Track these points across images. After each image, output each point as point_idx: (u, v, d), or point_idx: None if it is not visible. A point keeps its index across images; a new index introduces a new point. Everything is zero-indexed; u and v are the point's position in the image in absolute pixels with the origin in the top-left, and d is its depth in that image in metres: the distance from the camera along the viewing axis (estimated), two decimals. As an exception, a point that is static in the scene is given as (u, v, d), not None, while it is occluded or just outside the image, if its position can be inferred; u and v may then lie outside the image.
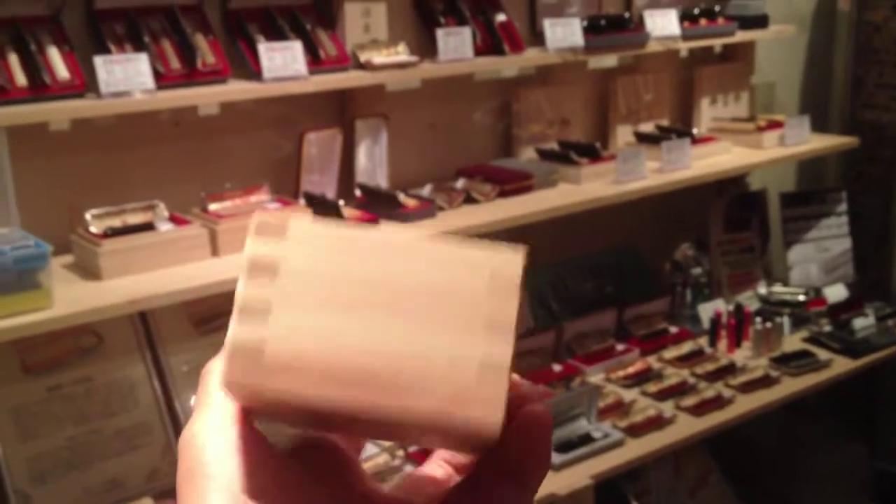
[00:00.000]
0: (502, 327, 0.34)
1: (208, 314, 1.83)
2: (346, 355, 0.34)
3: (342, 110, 2.03)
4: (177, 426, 1.80)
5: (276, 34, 1.85)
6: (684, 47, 2.49)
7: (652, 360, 2.30)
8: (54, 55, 1.60)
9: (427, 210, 1.93)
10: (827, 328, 2.48)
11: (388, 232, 0.36)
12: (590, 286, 2.49)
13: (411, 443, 0.40)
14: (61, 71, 1.60)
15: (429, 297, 0.35)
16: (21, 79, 1.56)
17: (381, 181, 2.05)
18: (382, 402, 0.34)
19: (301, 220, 0.35)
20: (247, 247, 0.35)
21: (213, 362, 0.41)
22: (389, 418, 0.34)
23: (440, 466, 0.42)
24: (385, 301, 0.35)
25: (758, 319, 2.39)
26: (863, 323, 2.46)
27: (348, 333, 0.34)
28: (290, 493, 0.38)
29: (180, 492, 0.37)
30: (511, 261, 0.35)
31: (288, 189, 1.92)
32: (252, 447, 0.37)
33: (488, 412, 0.33)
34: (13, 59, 1.57)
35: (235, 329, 0.35)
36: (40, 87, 1.57)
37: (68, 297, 1.52)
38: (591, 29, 2.20)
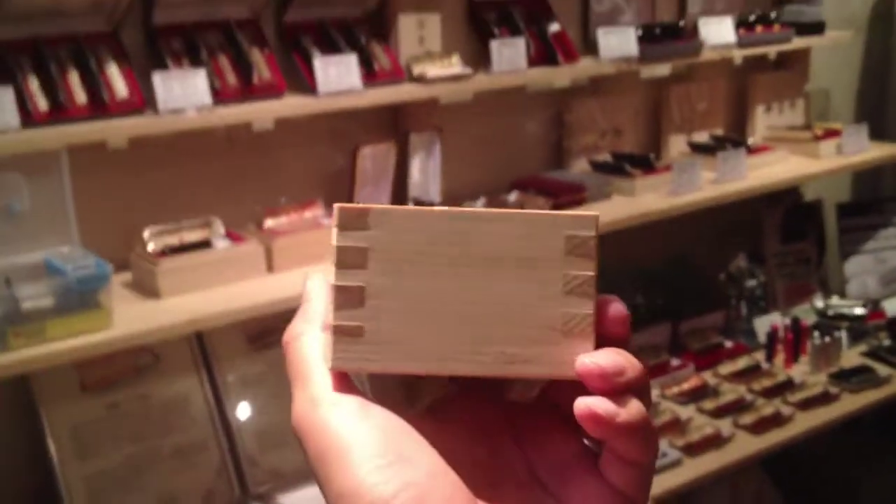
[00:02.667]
0: (581, 287, 0.37)
1: (263, 329, 1.82)
2: (441, 325, 0.37)
3: (396, 123, 2.01)
4: (231, 443, 1.79)
5: (330, 47, 1.83)
6: (739, 55, 2.44)
7: (707, 376, 2.26)
8: (114, 72, 1.59)
9: (482, 225, 1.90)
10: (886, 342, 2.42)
11: (459, 209, 0.38)
12: (642, 299, 2.45)
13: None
14: (120, 89, 1.59)
15: (509, 262, 0.37)
16: (81, 97, 1.55)
17: (434, 195, 2.02)
18: (476, 369, 0.37)
19: (380, 207, 0.37)
20: (334, 239, 0.37)
21: (295, 328, 0.40)
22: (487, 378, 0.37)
23: None
24: (469, 270, 0.37)
25: (816, 333, 2.33)
26: (923, 337, 2.41)
27: (440, 304, 0.37)
28: (447, 454, 0.37)
29: (322, 473, 0.36)
30: (584, 223, 0.37)
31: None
32: (376, 411, 0.37)
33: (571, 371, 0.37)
34: (74, 77, 1.56)
35: (335, 315, 0.37)
36: (99, 106, 1.56)
37: (127, 316, 1.51)
38: (646, 37, 2.16)
